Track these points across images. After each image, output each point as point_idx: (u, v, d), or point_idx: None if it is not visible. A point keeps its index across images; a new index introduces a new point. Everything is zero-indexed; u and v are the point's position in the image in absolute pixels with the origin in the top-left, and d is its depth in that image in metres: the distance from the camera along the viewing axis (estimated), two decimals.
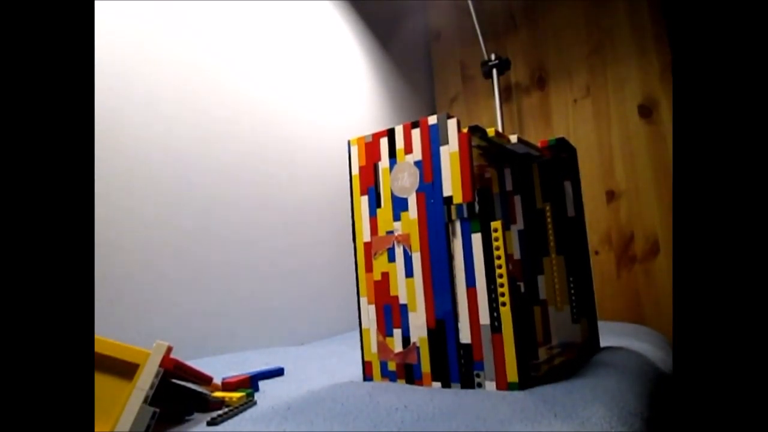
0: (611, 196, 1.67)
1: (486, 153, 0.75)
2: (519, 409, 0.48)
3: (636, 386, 0.58)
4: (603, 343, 0.88)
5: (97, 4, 0.93)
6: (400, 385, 0.61)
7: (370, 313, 0.67)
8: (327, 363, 0.86)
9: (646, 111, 1.63)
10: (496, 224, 0.58)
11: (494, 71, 1.80)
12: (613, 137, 1.68)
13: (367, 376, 0.67)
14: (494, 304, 0.57)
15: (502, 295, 0.57)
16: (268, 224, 1.23)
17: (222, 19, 1.19)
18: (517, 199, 0.80)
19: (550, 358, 0.68)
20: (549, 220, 0.79)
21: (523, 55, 1.87)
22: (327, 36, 1.55)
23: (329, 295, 1.38)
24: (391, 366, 0.65)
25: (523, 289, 0.79)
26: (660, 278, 1.58)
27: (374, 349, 0.66)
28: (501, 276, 0.57)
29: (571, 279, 0.78)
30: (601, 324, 1.16)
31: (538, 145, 0.79)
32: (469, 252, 0.59)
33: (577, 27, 1.77)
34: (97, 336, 0.52)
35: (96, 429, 0.46)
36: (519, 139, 0.68)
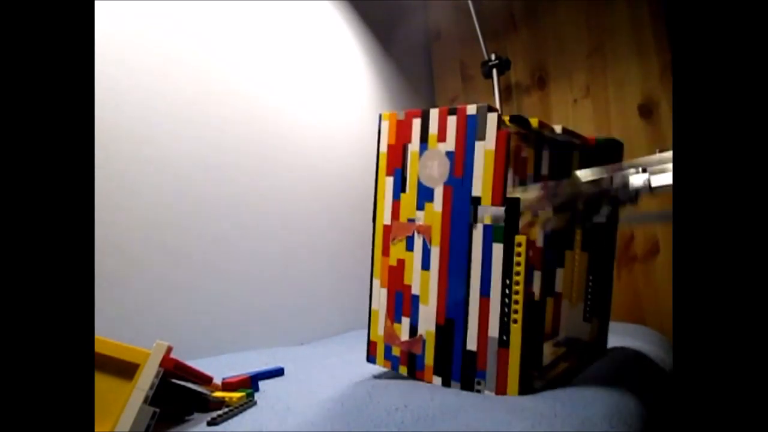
0: None
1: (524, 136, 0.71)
2: (519, 409, 0.48)
3: (636, 386, 0.58)
4: None
5: (97, 4, 0.93)
6: (401, 384, 0.61)
7: (381, 296, 0.65)
8: (327, 363, 0.86)
9: (646, 111, 1.63)
10: (520, 238, 0.55)
11: (494, 71, 1.80)
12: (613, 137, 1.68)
13: (371, 356, 0.66)
14: (506, 319, 0.55)
15: (515, 312, 0.54)
16: (267, 224, 1.22)
17: (222, 19, 1.18)
18: None
19: (554, 362, 0.67)
20: None
21: (523, 55, 1.87)
22: (327, 36, 1.54)
23: (329, 295, 1.38)
24: (395, 351, 0.64)
25: (539, 282, 0.73)
26: (660, 278, 1.58)
27: (381, 331, 0.65)
28: (517, 293, 0.54)
29: (590, 277, 0.75)
30: None
31: (588, 139, 0.74)
32: (488, 260, 0.56)
33: (577, 27, 1.77)
34: (97, 336, 0.52)
35: (96, 429, 0.46)
36: (564, 130, 0.65)
